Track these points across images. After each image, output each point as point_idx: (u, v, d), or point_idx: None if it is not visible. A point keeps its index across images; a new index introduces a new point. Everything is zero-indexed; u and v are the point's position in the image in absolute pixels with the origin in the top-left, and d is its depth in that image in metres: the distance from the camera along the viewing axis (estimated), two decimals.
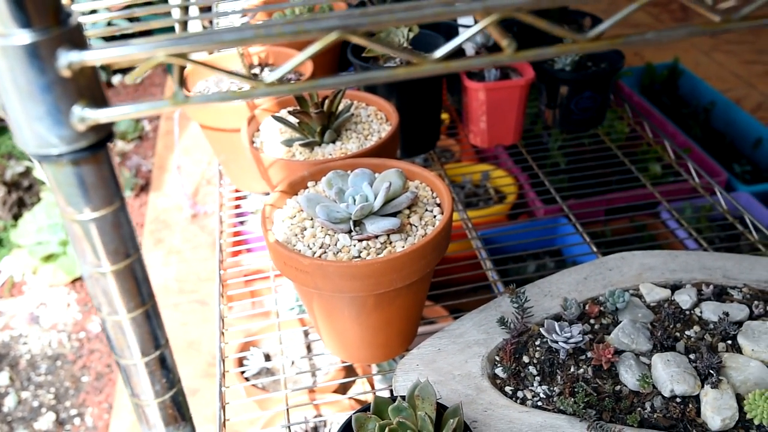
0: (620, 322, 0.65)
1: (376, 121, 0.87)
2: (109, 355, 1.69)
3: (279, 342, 0.83)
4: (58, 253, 1.88)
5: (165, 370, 0.36)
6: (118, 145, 2.58)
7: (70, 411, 1.57)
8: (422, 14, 0.27)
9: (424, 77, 1.18)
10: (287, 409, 0.72)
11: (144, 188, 2.30)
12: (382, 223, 0.66)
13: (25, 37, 0.25)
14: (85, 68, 0.27)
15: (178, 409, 0.37)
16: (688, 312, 0.67)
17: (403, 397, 0.56)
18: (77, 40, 0.26)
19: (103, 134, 0.28)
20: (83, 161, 0.28)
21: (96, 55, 0.26)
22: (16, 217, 2.09)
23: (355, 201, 0.68)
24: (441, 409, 0.57)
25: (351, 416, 0.56)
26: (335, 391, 1.28)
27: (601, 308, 0.68)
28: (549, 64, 1.11)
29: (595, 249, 0.91)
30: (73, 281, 1.92)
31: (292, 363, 1.29)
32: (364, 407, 0.57)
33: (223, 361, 0.78)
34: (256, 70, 1.05)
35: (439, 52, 0.28)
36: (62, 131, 0.27)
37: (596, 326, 0.67)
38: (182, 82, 0.27)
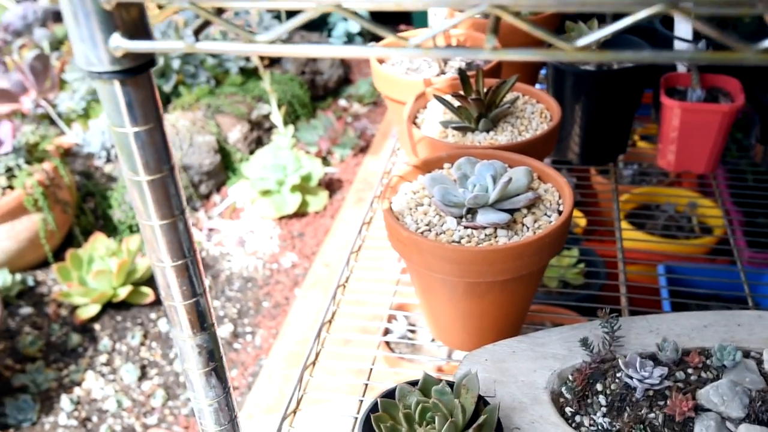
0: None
1: (538, 119, 0.86)
2: (290, 288, 1.86)
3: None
4: (273, 190, 2.09)
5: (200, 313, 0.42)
6: (354, 107, 2.77)
7: (246, 327, 1.77)
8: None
9: (617, 84, 1.11)
10: (366, 384, 0.76)
11: (363, 149, 2.46)
12: (491, 216, 0.66)
13: None
14: (130, 5, 0.32)
15: (208, 353, 0.43)
16: None
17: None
18: None
19: (142, 62, 0.34)
20: (125, 82, 0.34)
21: None
22: (252, 152, 2.36)
23: (474, 189, 0.69)
24: (484, 404, 0.56)
25: (397, 385, 0.58)
26: None
27: (706, 361, 0.62)
28: None
29: None
30: (281, 218, 2.13)
31: (433, 339, 1.33)
32: (414, 381, 0.59)
33: (319, 336, 0.81)
34: None
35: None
36: (100, 54, 0.32)
37: (692, 377, 0.61)
38: (199, 30, 0.31)
